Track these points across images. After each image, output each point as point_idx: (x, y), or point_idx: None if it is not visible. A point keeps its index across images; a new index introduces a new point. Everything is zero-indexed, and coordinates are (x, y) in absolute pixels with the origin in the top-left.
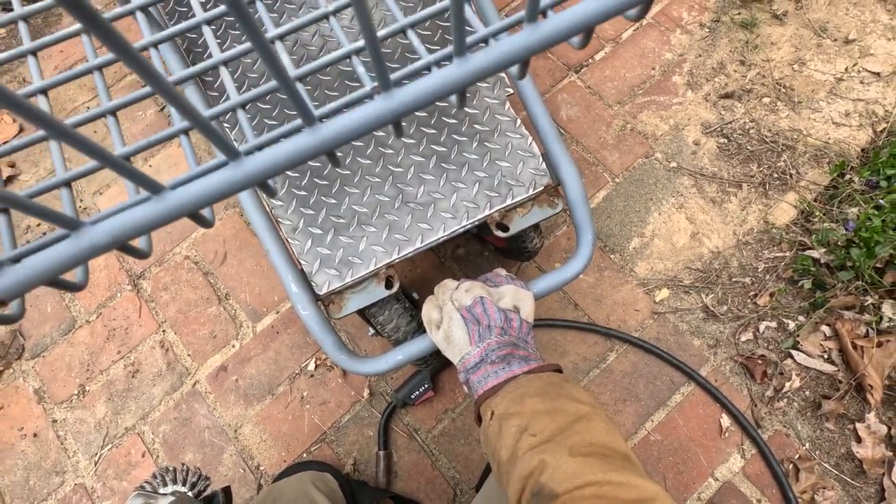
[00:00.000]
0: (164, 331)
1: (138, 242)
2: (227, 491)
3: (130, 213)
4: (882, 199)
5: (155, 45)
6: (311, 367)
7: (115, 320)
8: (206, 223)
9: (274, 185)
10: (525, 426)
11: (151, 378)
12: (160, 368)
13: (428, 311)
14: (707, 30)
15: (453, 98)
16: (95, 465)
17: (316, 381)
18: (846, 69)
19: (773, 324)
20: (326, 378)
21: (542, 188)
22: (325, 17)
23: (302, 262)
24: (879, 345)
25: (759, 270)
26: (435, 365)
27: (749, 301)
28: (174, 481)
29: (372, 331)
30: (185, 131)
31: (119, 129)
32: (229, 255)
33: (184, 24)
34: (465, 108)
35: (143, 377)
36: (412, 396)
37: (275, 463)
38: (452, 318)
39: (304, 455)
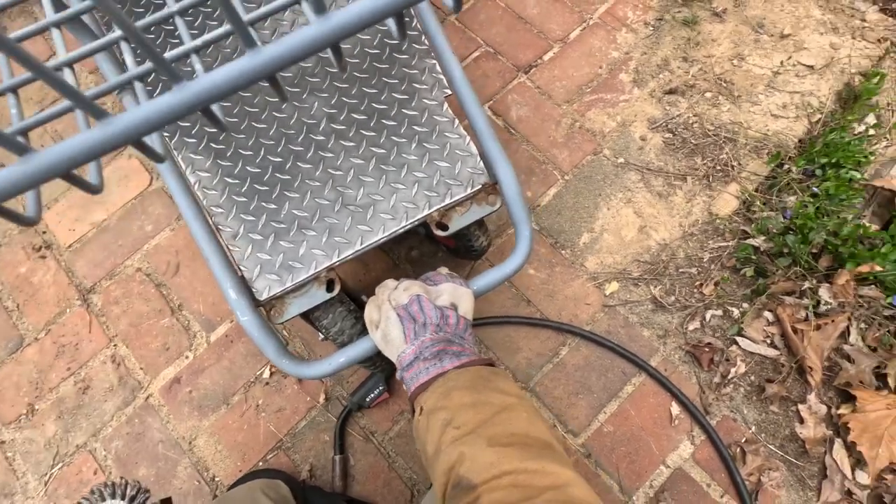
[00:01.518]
0: (115, 345)
1: (90, 177)
2: (167, 502)
3: (81, 137)
4: (817, 187)
5: None
6: (266, 374)
7: (65, 336)
8: (157, 157)
9: (219, 116)
10: (450, 419)
11: (103, 393)
12: (112, 383)
13: (369, 312)
14: (651, 28)
15: (393, 28)
16: (45, 485)
17: (271, 388)
18: (782, 63)
19: (719, 312)
20: (282, 385)
21: (480, 186)
22: None
23: (242, 268)
24: (818, 328)
25: (705, 260)
26: (389, 367)
27: (695, 291)
28: (112, 496)
29: (322, 335)
30: (119, 41)
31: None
32: (182, 265)
33: None
34: (404, 110)
35: (95, 393)
36: (367, 399)
37: (230, 473)
38: (389, 317)
39: (260, 464)
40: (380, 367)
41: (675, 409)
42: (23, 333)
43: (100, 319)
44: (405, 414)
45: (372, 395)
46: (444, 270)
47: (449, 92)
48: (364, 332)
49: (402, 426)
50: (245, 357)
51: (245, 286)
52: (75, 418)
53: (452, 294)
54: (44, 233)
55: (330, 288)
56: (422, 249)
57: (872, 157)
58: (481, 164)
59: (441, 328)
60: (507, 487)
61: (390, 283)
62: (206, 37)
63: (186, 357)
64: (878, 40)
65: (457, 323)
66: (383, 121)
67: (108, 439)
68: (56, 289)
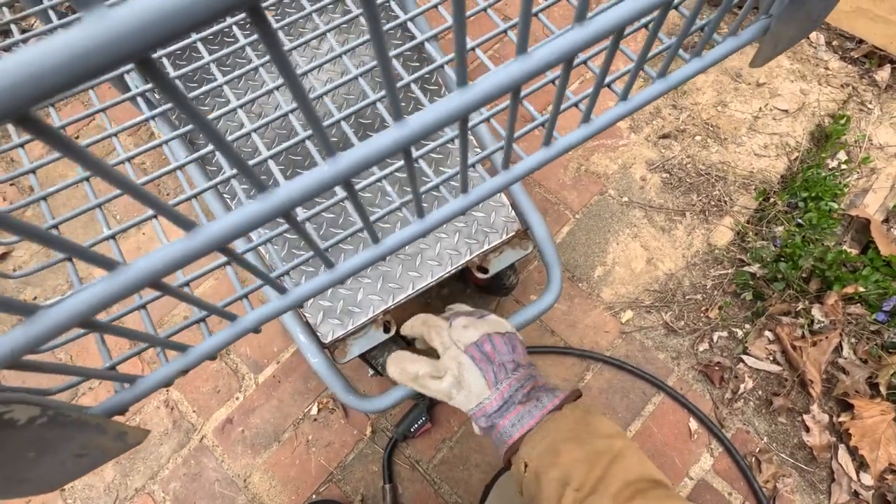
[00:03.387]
0: (168, 390)
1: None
2: None
3: (172, 247)
4: (801, 218)
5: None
6: (314, 411)
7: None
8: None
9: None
10: (566, 479)
11: (158, 437)
12: (166, 427)
13: (403, 367)
14: (642, 80)
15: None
16: None
17: (319, 424)
18: (760, 108)
19: (725, 333)
20: (329, 420)
21: (514, 233)
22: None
23: (307, 314)
24: (814, 344)
25: (708, 287)
26: (431, 398)
27: (702, 315)
28: None
29: (372, 371)
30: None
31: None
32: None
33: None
34: (440, 168)
35: (150, 437)
36: (411, 430)
37: None
38: (462, 362)
39: (314, 496)
40: (425, 398)
41: (693, 424)
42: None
43: (152, 367)
44: (447, 441)
45: (416, 426)
46: (460, 307)
47: (480, 152)
48: None
49: (444, 454)
50: (293, 395)
51: (311, 331)
52: (133, 462)
53: (499, 323)
54: None
55: (387, 329)
56: (452, 287)
57: (846, 189)
58: (513, 213)
59: (517, 364)
60: None
61: (433, 320)
62: (284, 145)
63: (237, 398)
64: (842, 86)
65: (523, 350)
66: (423, 178)
67: (165, 481)
68: (108, 339)
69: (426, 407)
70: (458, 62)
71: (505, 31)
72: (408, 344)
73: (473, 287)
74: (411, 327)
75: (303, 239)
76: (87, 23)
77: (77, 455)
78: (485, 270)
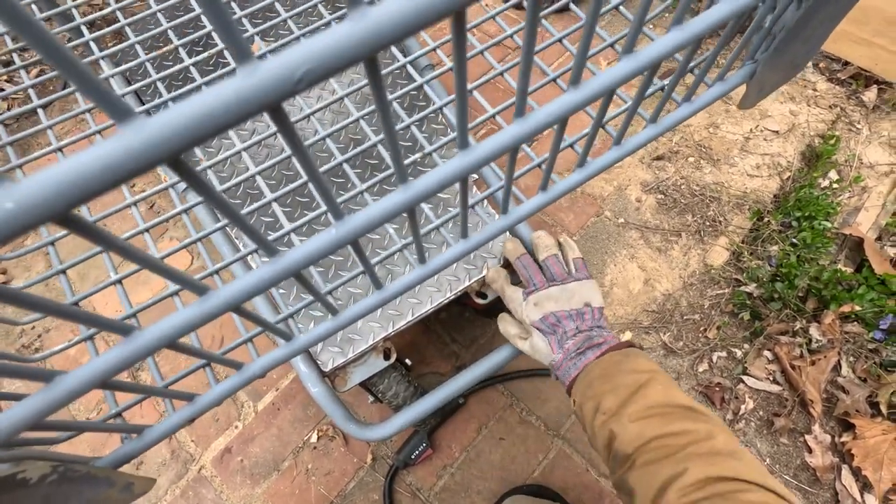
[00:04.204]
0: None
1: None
2: None
3: (186, 312)
4: (795, 237)
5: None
6: (314, 438)
7: None
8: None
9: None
10: (597, 407)
11: (156, 468)
12: (164, 458)
13: (505, 328)
14: (634, 123)
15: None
16: None
17: (319, 452)
18: (751, 130)
19: (724, 353)
20: (329, 448)
21: (500, 270)
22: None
23: None
24: (812, 363)
25: (705, 307)
26: (432, 423)
27: (701, 335)
28: None
29: (371, 398)
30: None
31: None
32: (226, 339)
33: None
34: (439, 195)
35: (148, 468)
36: (412, 457)
37: None
38: (532, 333)
39: None
40: (426, 424)
41: None
42: (74, 415)
43: (157, 408)
44: (448, 468)
45: (416, 453)
46: (558, 262)
47: (476, 177)
48: (416, 395)
49: (445, 481)
50: (292, 423)
51: (311, 359)
52: None
53: (581, 292)
54: None
55: (387, 356)
56: (450, 311)
57: (839, 208)
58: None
59: (579, 329)
60: (655, 449)
61: (515, 296)
62: (303, 220)
63: (236, 427)
64: (830, 106)
65: (592, 316)
66: (422, 205)
67: None
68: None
69: (427, 433)
70: (460, 129)
71: (501, 73)
72: (406, 369)
73: (473, 311)
74: (492, 280)
75: (310, 293)
76: (126, 133)
77: None
78: (483, 296)
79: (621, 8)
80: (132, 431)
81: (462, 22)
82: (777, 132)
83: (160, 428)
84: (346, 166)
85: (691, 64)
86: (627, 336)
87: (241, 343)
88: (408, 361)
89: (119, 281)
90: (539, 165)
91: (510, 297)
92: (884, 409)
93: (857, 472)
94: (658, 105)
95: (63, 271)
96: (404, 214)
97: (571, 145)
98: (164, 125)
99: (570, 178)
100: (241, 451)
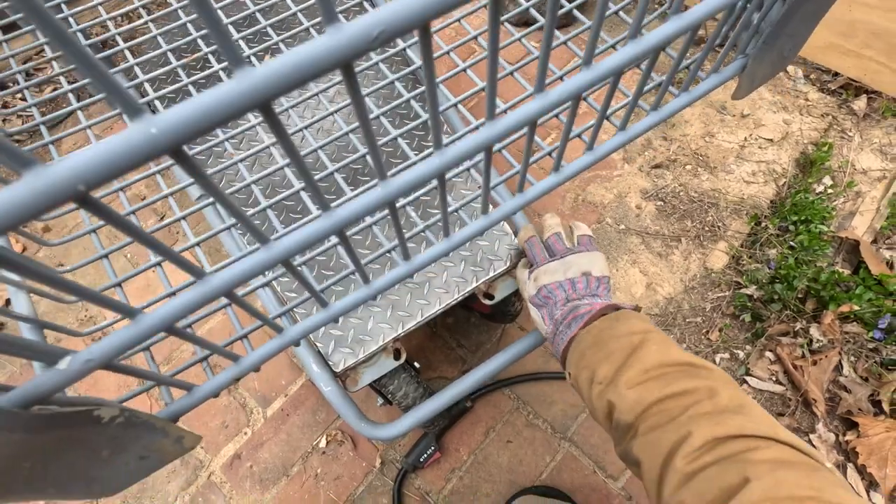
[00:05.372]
0: None
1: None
2: None
3: (186, 294)
4: (792, 241)
5: None
6: (323, 443)
7: None
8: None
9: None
10: (591, 377)
11: (166, 475)
12: (174, 464)
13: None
14: (633, 114)
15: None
16: None
17: (328, 456)
18: (746, 138)
19: (727, 355)
20: (338, 453)
21: (518, 260)
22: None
23: (318, 344)
24: (814, 363)
25: (707, 310)
26: (440, 426)
27: (703, 337)
28: None
29: (381, 400)
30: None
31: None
32: (236, 344)
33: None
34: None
35: (157, 475)
36: (421, 460)
37: None
38: (529, 307)
39: None
40: (435, 425)
41: None
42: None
43: (159, 403)
44: (456, 471)
45: (425, 456)
46: (561, 237)
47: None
48: (425, 395)
49: (454, 484)
50: (301, 428)
51: (323, 360)
52: (139, 501)
53: (579, 263)
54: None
55: (397, 357)
56: (456, 316)
57: (834, 212)
58: (515, 240)
59: (569, 299)
60: (656, 415)
61: (522, 276)
62: (283, 195)
63: (245, 433)
64: (822, 115)
65: (587, 286)
66: (428, 209)
67: None
68: (115, 377)
69: (435, 436)
70: (434, 128)
71: (482, 89)
72: (415, 370)
73: (478, 317)
74: (521, 239)
75: (299, 282)
76: (135, 126)
77: (141, 457)
78: (491, 297)
79: (621, 13)
80: (185, 388)
81: (428, 30)
82: (771, 140)
83: (207, 387)
84: (336, 175)
85: (688, 61)
86: None
87: (238, 338)
88: (416, 364)
89: (159, 264)
90: (550, 154)
91: (519, 278)
92: (886, 407)
93: (862, 470)
94: (658, 94)
95: (106, 256)
96: (387, 214)
97: (579, 135)
98: (172, 119)
99: (580, 160)
100: (251, 457)
